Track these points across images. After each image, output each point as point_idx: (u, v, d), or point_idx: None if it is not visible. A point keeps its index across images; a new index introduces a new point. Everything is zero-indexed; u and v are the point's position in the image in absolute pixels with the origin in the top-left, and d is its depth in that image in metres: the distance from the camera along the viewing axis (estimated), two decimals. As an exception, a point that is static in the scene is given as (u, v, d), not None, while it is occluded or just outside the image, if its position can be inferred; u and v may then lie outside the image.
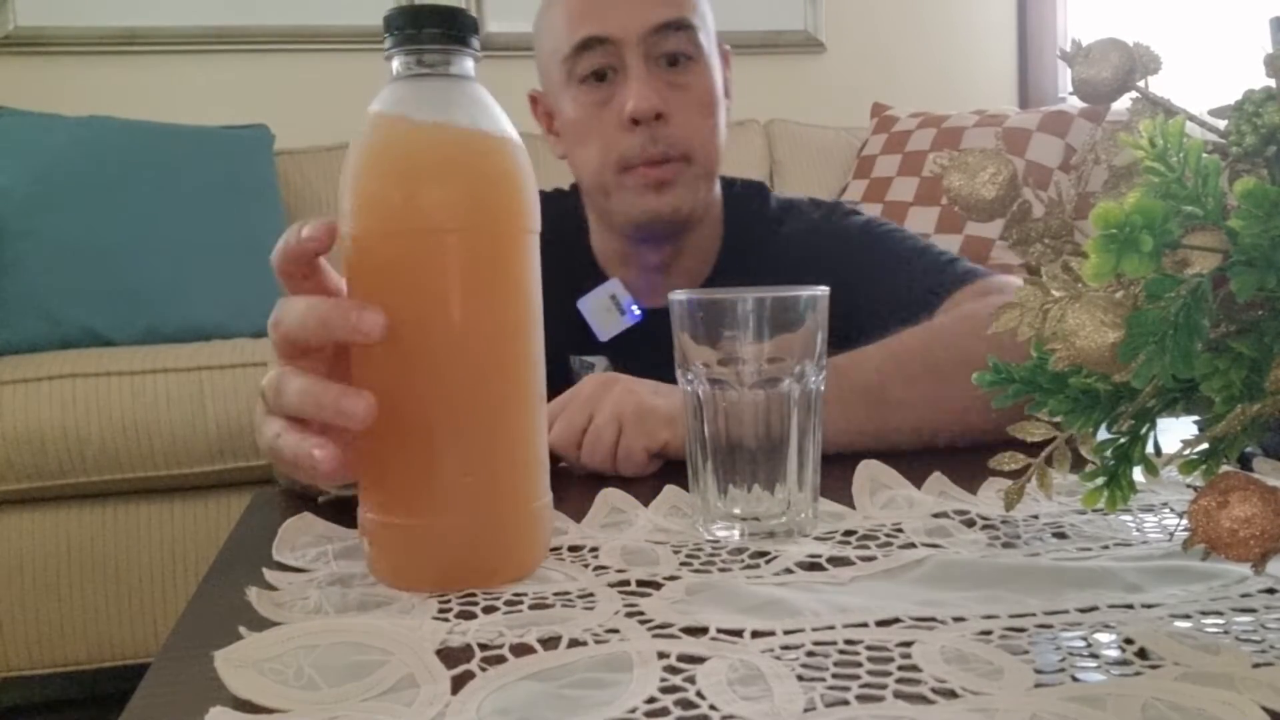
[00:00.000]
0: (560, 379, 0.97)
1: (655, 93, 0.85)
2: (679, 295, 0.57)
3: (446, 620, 0.46)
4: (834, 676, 0.39)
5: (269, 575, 0.53)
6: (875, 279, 0.92)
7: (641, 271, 0.97)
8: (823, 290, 0.57)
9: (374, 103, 0.50)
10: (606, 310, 0.92)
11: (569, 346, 0.97)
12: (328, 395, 0.47)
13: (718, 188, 1.00)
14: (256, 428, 0.55)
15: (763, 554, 0.55)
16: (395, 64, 0.50)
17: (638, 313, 0.91)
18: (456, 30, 0.49)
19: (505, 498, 0.50)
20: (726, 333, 0.56)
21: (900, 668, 0.40)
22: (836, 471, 0.69)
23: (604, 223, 0.96)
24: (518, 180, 0.50)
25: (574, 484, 0.72)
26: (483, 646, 0.43)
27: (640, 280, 0.97)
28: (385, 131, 0.49)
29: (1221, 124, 0.44)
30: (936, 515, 0.61)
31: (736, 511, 0.58)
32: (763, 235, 0.99)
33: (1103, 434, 0.51)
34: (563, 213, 0.95)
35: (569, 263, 0.89)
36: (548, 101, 0.94)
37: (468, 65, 0.50)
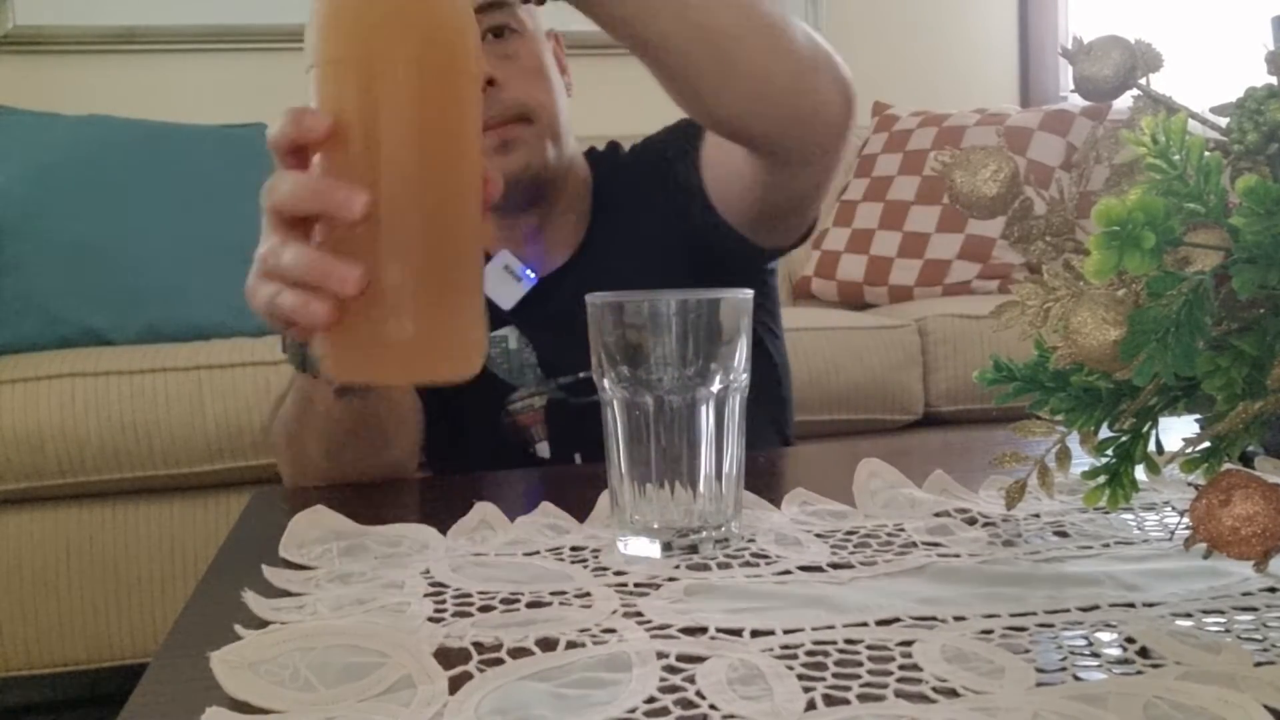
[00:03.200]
0: None
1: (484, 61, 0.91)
2: (595, 299, 0.55)
3: (443, 620, 0.46)
4: (834, 676, 0.39)
5: (270, 573, 0.53)
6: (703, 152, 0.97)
7: (519, 241, 1.00)
8: (745, 294, 0.55)
9: None
10: (503, 280, 0.95)
11: None
12: (323, 264, 0.52)
13: (579, 156, 1.04)
14: (251, 292, 0.59)
15: (763, 554, 0.55)
16: None
17: (533, 276, 0.93)
18: None
19: (444, 301, 0.53)
20: (644, 336, 0.54)
21: (901, 667, 0.40)
22: (838, 470, 0.69)
23: None
24: (462, 18, 0.53)
25: (577, 484, 0.72)
26: (480, 647, 0.43)
27: (523, 251, 1.00)
28: None
29: (1223, 121, 0.44)
30: (938, 514, 0.61)
31: (655, 525, 0.55)
32: (623, 180, 1.04)
33: (1104, 432, 0.51)
34: None
35: None
36: None
37: None
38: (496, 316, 0.97)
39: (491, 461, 0.92)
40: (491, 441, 0.97)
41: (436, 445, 0.95)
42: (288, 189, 0.54)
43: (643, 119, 1.15)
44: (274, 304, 0.55)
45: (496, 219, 1.00)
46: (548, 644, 0.43)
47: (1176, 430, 0.50)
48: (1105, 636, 0.42)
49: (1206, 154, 0.40)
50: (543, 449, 0.96)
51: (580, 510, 0.63)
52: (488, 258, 0.92)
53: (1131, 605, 0.46)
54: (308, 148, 0.54)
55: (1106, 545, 0.55)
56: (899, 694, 0.38)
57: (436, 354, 0.54)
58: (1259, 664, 0.39)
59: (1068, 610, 0.45)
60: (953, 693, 0.37)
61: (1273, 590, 0.47)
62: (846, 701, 0.37)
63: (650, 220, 0.99)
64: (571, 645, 0.43)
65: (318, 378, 0.74)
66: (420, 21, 0.52)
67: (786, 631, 0.43)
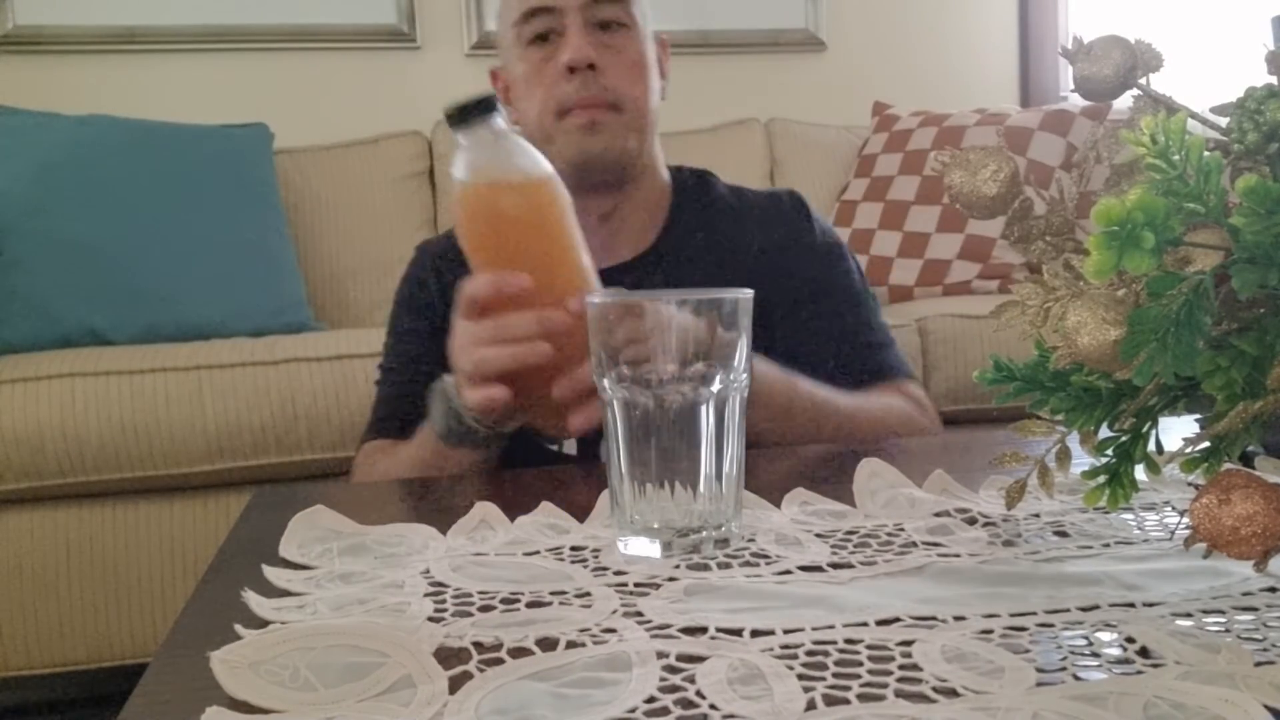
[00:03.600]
0: None
1: (589, 46, 0.97)
2: (595, 298, 0.56)
3: (443, 620, 0.46)
4: (834, 676, 0.39)
5: (270, 573, 0.53)
6: (820, 301, 1.05)
7: (588, 226, 1.01)
8: (746, 294, 0.55)
9: (458, 170, 0.77)
10: None
11: None
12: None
13: (660, 161, 1.09)
14: (459, 378, 0.80)
15: (763, 554, 0.55)
16: (460, 138, 0.77)
17: None
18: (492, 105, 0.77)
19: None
20: (646, 336, 0.54)
21: (901, 667, 0.40)
22: (838, 470, 0.69)
23: None
24: (556, 189, 0.80)
25: (577, 484, 0.72)
26: (480, 647, 0.43)
27: (590, 240, 1.01)
28: (473, 191, 0.78)
29: (1223, 121, 0.44)
30: (938, 514, 0.61)
31: (655, 525, 0.55)
32: (713, 210, 1.09)
33: (1104, 432, 0.51)
34: None
35: None
36: (505, 75, 1.08)
37: (500, 122, 0.77)
38: None
39: (514, 457, 0.93)
40: (517, 438, 0.97)
41: None
42: (526, 324, 0.75)
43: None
44: (491, 358, 0.75)
45: (575, 200, 1.04)
46: (548, 644, 0.43)
47: (1176, 430, 0.50)
48: (1105, 636, 0.42)
49: (1206, 154, 0.40)
50: (569, 446, 0.97)
51: (580, 510, 0.63)
52: None
53: (1131, 605, 0.46)
54: (503, 300, 0.76)
55: (1106, 545, 0.54)
56: (899, 694, 0.38)
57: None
58: (1259, 664, 0.39)
59: (1068, 610, 0.45)
60: (953, 693, 0.37)
61: (1273, 590, 0.47)
62: (846, 701, 0.37)
63: (730, 267, 1.03)
64: (571, 645, 0.43)
65: (473, 448, 0.87)
66: (533, 201, 0.79)
67: (786, 631, 0.43)
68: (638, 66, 1.01)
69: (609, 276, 0.98)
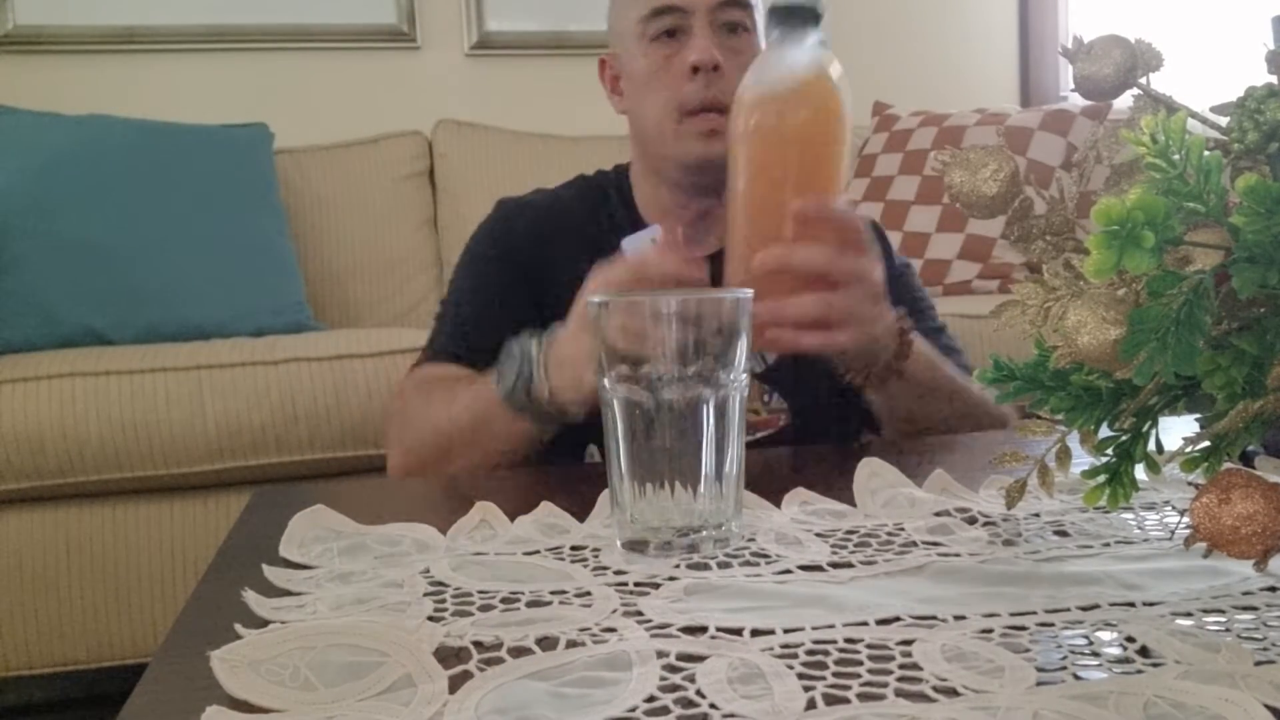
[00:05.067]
0: None
1: (715, 48, 1.01)
2: (595, 298, 0.56)
3: (443, 620, 0.46)
4: (834, 675, 0.39)
5: (270, 572, 0.53)
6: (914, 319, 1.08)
7: (689, 219, 1.06)
8: (746, 293, 0.56)
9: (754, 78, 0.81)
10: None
11: None
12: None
13: None
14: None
15: (763, 554, 0.55)
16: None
17: None
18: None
19: None
20: (647, 336, 0.54)
21: (901, 666, 0.40)
22: (838, 470, 0.69)
23: (655, 174, 1.09)
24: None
25: (577, 484, 0.72)
26: (480, 646, 0.43)
27: (686, 229, 1.05)
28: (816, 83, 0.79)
29: (1223, 121, 0.44)
30: (938, 514, 0.61)
31: (655, 525, 0.55)
32: None
33: (1104, 431, 0.51)
34: (611, 185, 1.13)
35: (615, 224, 1.04)
36: (615, 65, 1.10)
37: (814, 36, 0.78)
38: None
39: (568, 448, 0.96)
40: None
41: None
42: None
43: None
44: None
45: (676, 194, 1.07)
46: (548, 643, 0.43)
47: (1176, 429, 0.50)
48: (1105, 636, 0.42)
49: (1206, 153, 0.40)
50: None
51: (580, 510, 0.63)
52: (635, 229, 1.03)
53: (1131, 604, 0.46)
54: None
55: (1106, 545, 0.54)
56: (899, 693, 0.38)
57: None
58: (1259, 663, 0.39)
59: (1068, 609, 0.45)
60: (953, 692, 0.37)
61: (1273, 589, 0.47)
62: (846, 700, 0.37)
63: None
64: (571, 644, 0.43)
65: (530, 420, 0.86)
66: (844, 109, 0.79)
67: (786, 631, 0.43)
68: None
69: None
